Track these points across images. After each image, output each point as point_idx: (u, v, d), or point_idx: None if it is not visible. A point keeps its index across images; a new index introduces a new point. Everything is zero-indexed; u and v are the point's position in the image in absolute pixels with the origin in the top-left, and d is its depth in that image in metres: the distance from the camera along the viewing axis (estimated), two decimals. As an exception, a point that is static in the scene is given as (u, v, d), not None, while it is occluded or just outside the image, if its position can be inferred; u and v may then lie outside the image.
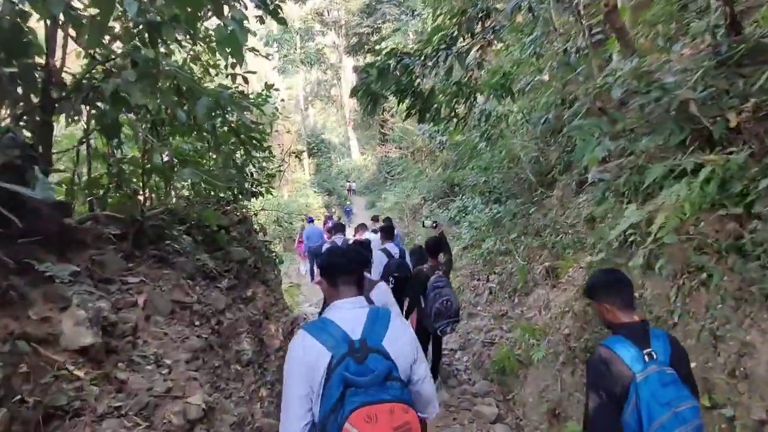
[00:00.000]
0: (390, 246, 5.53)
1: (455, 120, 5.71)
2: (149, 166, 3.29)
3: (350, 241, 7.38)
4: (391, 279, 5.04)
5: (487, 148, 7.15)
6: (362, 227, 7.57)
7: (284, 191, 24.02)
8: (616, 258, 4.06)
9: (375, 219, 12.76)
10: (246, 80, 3.65)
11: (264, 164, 5.83)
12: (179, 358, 2.90)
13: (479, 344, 5.85)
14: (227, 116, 3.29)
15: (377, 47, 21.94)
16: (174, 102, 2.67)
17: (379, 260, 5.26)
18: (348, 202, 27.04)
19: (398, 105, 5.48)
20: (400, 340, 1.61)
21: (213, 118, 2.98)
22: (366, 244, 4.63)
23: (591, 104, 5.34)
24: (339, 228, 7.88)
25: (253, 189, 5.56)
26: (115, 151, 3.36)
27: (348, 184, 29.56)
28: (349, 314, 1.62)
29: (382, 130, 20.71)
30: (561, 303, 5.27)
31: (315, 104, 47.54)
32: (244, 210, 5.25)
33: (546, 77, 7.15)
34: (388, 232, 5.82)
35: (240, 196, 5.36)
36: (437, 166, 15.14)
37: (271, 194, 6.00)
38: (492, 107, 5.70)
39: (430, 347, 4.79)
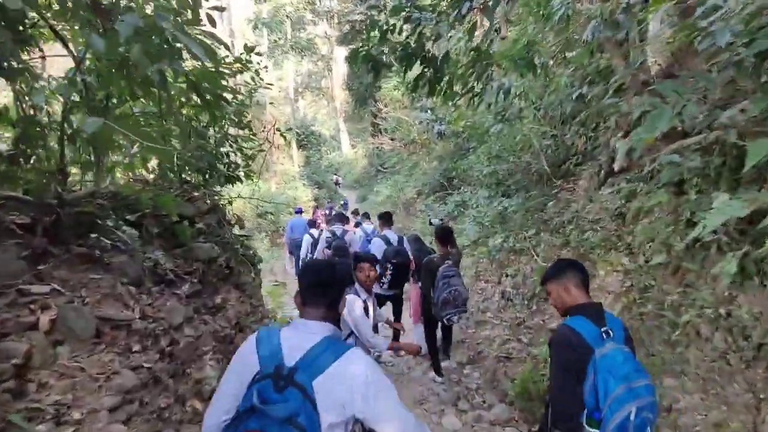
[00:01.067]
0: (388, 232, 5.69)
1: (470, 96, 4.79)
2: (71, 129, 2.32)
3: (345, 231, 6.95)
4: (389, 265, 4.97)
5: (503, 133, 6.24)
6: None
7: (272, 183, 22.97)
8: (684, 263, 3.19)
9: (355, 213, 12.44)
10: (212, 21, 2.67)
11: (243, 143, 4.87)
12: (99, 406, 1.96)
13: (492, 359, 4.98)
14: (182, 60, 2.32)
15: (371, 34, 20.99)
16: (87, 15, 1.72)
17: (378, 246, 5.36)
18: (344, 195, 26.23)
19: (404, 74, 4.55)
20: (336, 383, 1.37)
21: (157, 58, 2.02)
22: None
23: (633, 76, 4.48)
24: (339, 218, 7.72)
25: (229, 172, 4.59)
26: (24, 107, 2.38)
27: (334, 177, 28.64)
28: (297, 337, 1.47)
29: (375, 121, 19.71)
30: (594, 313, 4.42)
31: (306, 96, 46.33)
32: (215, 197, 4.28)
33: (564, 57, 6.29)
34: (386, 219, 5.97)
35: (210, 180, 4.40)
36: (433, 158, 14.23)
37: (251, 180, 5.04)
38: (512, 83, 4.82)
39: (438, 334, 4.93)
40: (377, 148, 22.27)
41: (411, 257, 5.23)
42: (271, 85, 4.76)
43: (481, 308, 6.01)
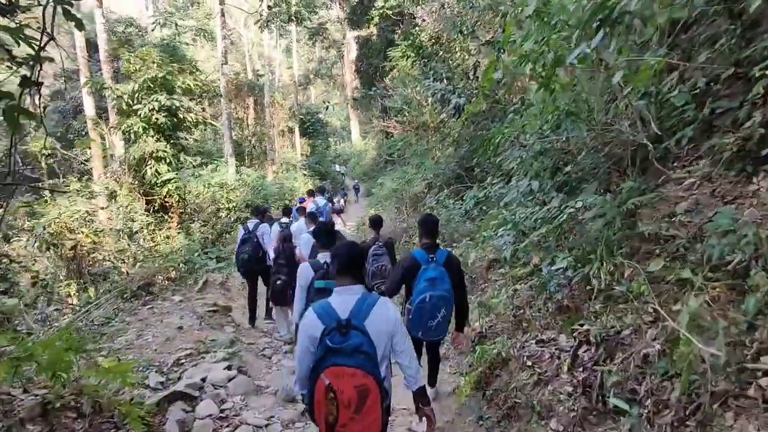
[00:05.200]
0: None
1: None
2: None
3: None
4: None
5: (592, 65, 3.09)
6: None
7: (268, 171, 20.17)
8: None
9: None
10: None
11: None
12: None
13: None
14: None
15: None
16: None
17: (306, 241, 5.47)
18: (355, 181, 23.48)
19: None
20: (378, 321, 2.03)
21: None
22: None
23: None
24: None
25: None
26: None
27: (338, 167, 25.81)
28: (344, 298, 2.08)
29: (382, 102, 16.70)
30: None
31: (317, 85, 43.33)
32: None
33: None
34: (311, 216, 6.48)
35: None
36: (448, 144, 11.21)
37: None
38: None
39: None
40: (385, 135, 19.27)
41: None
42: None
43: (530, 399, 3.02)
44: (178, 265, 7.81)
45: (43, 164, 16.52)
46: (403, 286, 3.42)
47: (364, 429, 1.89)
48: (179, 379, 4.03)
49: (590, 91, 3.51)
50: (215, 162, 13.99)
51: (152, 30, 16.03)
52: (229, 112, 16.82)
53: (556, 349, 3.27)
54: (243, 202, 13.90)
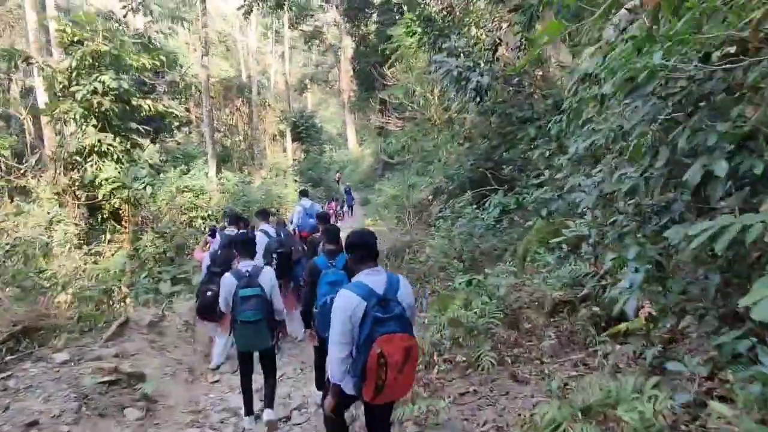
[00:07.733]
0: (267, 227, 5.81)
1: None
2: None
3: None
4: (273, 256, 5.21)
5: None
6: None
7: (256, 177, 17.96)
8: None
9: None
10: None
11: None
12: None
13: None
14: None
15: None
16: None
17: (260, 241, 5.24)
18: (348, 184, 21.23)
19: None
20: (405, 293, 2.32)
21: None
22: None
23: None
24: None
25: None
26: None
27: (337, 174, 23.80)
28: (376, 278, 2.28)
29: (382, 96, 14.58)
30: None
31: (314, 92, 41.29)
32: None
33: None
34: (262, 215, 6.22)
35: None
36: (461, 142, 9.05)
37: None
38: None
39: None
40: (384, 138, 17.16)
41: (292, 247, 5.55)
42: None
43: None
44: (107, 292, 5.55)
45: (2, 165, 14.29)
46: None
47: (404, 383, 2.24)
48: None
49: None
50: (189, 164, 11.77)
51: (124, 16, 13.88)
52: (210, 108, 14.67)
53: None
54: (220, 209, 11.68)
